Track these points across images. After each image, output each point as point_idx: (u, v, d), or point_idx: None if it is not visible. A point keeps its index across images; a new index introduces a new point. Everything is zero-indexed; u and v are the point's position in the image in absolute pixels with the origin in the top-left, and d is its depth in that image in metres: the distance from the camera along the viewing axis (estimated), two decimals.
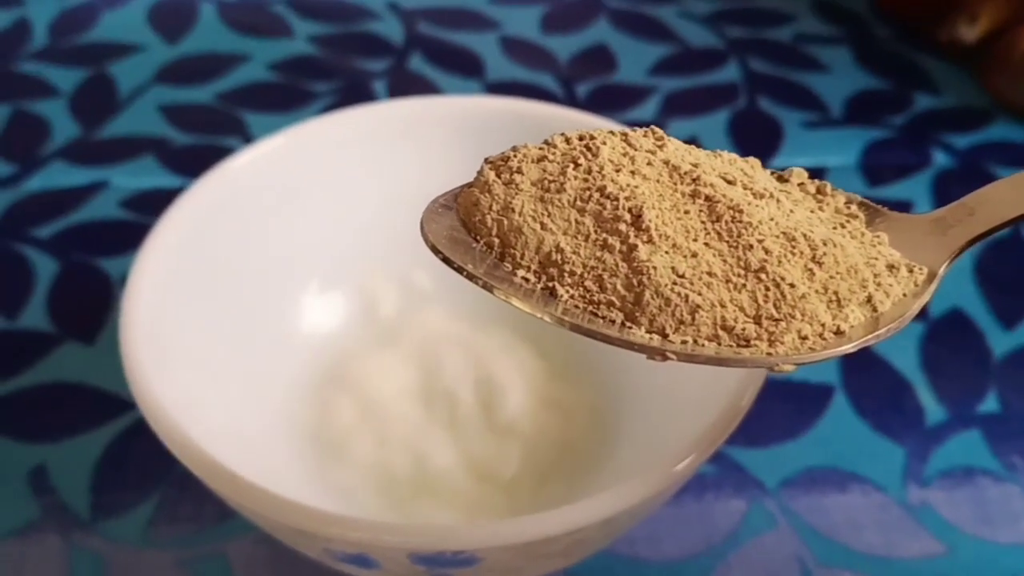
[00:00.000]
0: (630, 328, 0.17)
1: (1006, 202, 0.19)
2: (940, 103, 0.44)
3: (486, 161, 0.19)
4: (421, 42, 0.47)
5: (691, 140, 0.20)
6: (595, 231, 0.18)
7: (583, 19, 0.49)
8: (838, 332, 0.17)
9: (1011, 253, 0.37)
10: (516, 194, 0.18)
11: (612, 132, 0.19)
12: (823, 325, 0.17)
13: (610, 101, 0.44)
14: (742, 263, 0.17)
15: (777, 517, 0.28)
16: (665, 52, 0.47)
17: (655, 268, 0.17)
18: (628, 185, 0.18)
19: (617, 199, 0.18)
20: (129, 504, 0.28)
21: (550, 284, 0.18)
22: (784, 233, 0.18)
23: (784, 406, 0.31)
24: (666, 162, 0.19)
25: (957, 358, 0.33)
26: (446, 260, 0.18)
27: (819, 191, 0.20)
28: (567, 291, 0.18)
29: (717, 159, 0.20)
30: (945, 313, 0.35)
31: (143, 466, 0.29)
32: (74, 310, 0.33)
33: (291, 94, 0.43)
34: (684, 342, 0.17)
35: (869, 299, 0.18)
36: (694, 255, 0.18)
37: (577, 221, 0.18)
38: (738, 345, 0.17)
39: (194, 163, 0.34)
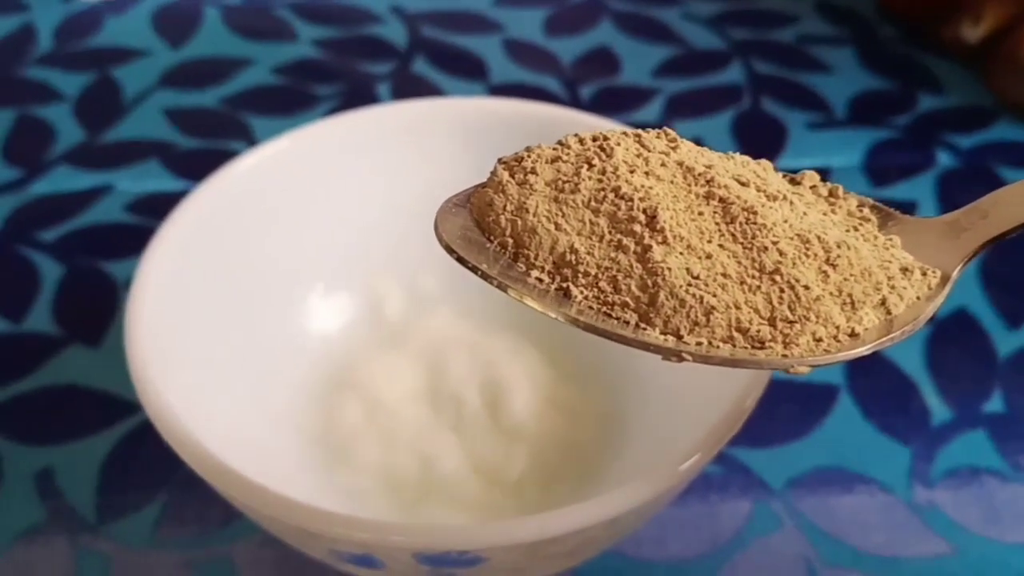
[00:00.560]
0: (644, 329, 0.17)
1: (1020, 205, 0.19)
2: (944, 103, 0.44)
3: (500, 161, 0.19)
4: (425, 45, 0.47)
5: (695, 142, 0.20)
6: (609, 232, 0.18)
7: (586, 21, 0.49)
8: (852, 334, 0.17)
9: (1016, 253, 0.37)
10: (530, 194, 0.18)
11: (625, 133, 0.19)
12: (837, 327, 0.17)
13: (614, 103, 0.44)
14: (756, 265, 0.17)
15: (783, 518, 0.28)
16: (669, 54, 0.47)
17: (670, 269, 0.17)
18: (642, 186, 0.18)
19: (632, 200, 0.18)
20: (135, 506, 0.28)
21: (564, 285, 0.18)
22: (798, 235, 0.18)
23: (790, 407, 0.31)
24: (680, 163, 0.19)
25: (962, 358, 0.33)
26: (461, 260, 0.18)
27: (831, 194, 0.20)
28: (581, 292, 0.18)
29: (730, 161, 0.20)
30: (950, 313, 0.35)
31: (149, 468, 0.29)
32: (79, 313, 0.33)
33: (295, 98, 0.44)
34: (699, 343, 0.17)
35: (883, 302, 0.18)
36: (708, 256, 0.18)
37: (591, 222, 0.18)
38: (753, 347, 0.17)
39: (199, 167, 0.34)
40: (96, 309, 0.33)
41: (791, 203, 0.19)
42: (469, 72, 0.45)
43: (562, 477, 0.28)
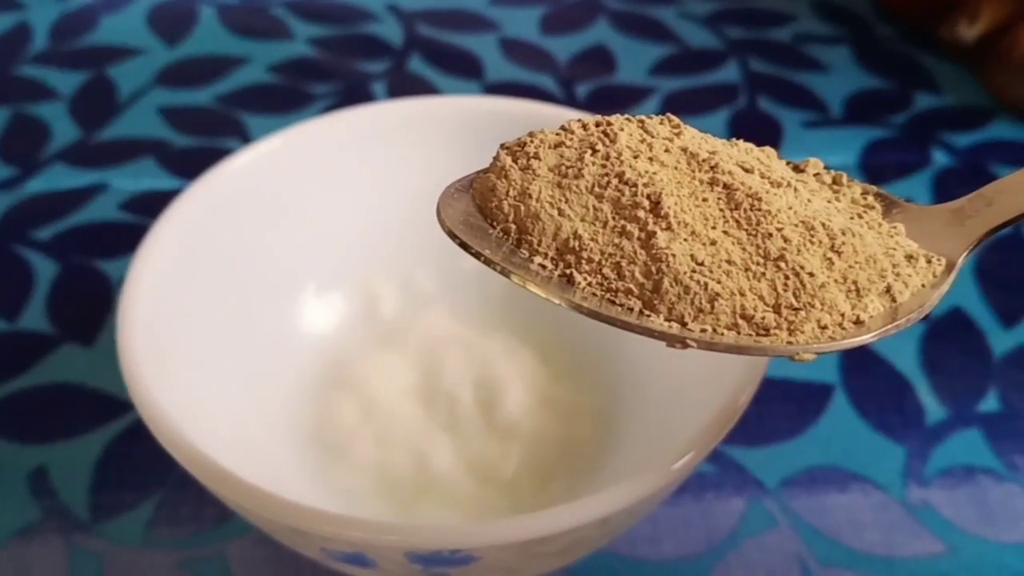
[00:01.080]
0: (648, 316, 0.17)
1: None
2: (940, 102, 0.44)
3: (502, 147, 0.19)
4: (420, 44, 0.47)
5: None
6: (613, 218, 0.18)
7: (582, 20, 0.49)
8: (857, 321, 0.17)
9: (1011, 252, 0.37)
10: (533, 180, 0.18)
11: (628, 119, 0.19)
12: (842, 314, 0.17)
13: (610, 102, 0.44)
14: (761, 251, 0.17)
15: (777, 517, 0.28)
16: (665, 52, 0.47)
17: (674, 255, 0.17)
18: (646, 172, 0.18)
19: (636, 185, 0.18)
20: (129, 505, 0.28)
21: (567, 271, 0.18)
22: (803, 222, 0.18)
23: (784, 406, 0.31)
24: (684, 149, 0.19)
25: (957, 357, 0.33)
26: (463, 245, 0.18)
27: (835, 181, 0.20)
28: (585, 278, 0.17)
29: (733, 148, 0.20)
30: (945, 312, 0.35)
31: (143, 467, 0.29)
32: (74, 312, 0.33)
33: (291, 96, 0.43)
34: (703, 330, 0.17)
35: (888, 289, 0.18)
36: (713, 243, 0.17)
37: (595, 207, 0.18)
38: (757, 334, 0.17)
39: (194, 165, 0.34)
40: (91, 308, 0.33)
41: (795, 190, 0.19)
42: (465, 71, 0.45)
43: (556, 476, 0.28)
